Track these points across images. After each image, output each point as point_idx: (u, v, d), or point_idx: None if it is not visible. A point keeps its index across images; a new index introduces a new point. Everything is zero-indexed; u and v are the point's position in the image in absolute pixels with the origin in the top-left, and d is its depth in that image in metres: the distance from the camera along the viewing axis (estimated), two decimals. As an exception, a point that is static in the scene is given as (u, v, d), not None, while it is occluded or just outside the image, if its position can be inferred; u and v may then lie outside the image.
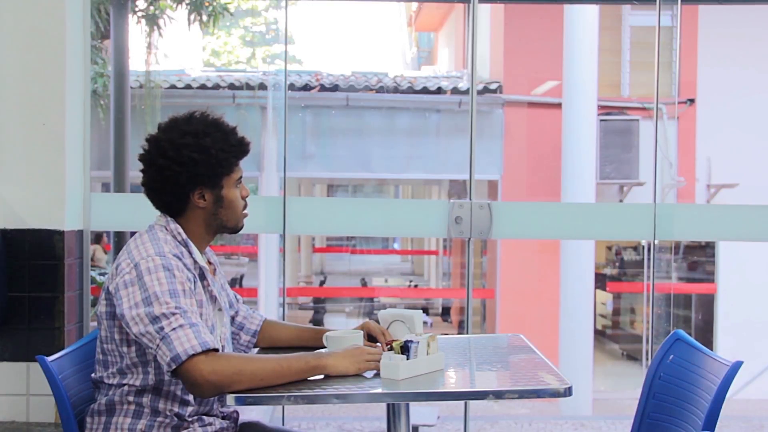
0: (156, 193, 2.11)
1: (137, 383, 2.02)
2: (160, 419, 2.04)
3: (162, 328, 1.88)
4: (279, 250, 8.57)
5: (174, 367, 1.87)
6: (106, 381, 2.06)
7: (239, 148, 2.13)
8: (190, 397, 2.06)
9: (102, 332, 2.06)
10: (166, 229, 2.10)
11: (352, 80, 9.02)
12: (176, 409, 2.05)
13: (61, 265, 2.87)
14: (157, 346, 1.88)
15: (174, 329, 1.88)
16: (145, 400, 2.03)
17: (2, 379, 2.86)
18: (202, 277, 2.11)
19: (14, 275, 2.85)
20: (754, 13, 8.26)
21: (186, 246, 2.10)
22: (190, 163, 2.06)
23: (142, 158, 2.12)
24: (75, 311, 2.97)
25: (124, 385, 2.03)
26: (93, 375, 2.12)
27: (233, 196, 2.14)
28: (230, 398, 1.87)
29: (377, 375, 2.00)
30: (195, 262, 2.09)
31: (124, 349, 2.02)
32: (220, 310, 2.17)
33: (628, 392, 8.42)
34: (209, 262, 2.22)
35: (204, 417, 2.10)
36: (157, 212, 2.16)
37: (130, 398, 2.03)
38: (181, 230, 2.10)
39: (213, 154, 2.07)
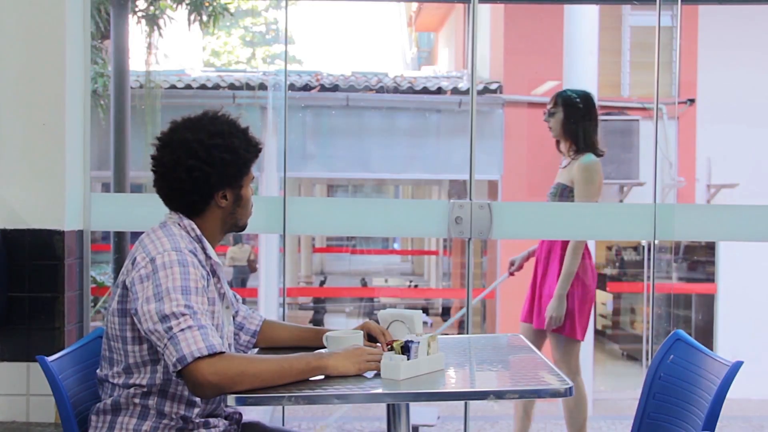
0: (180, 193, 2.11)
1: (144, 382, 2.02)
2: (165, 421, 2.04)
3: (171, 328, 1.88)
4: (279, 250, 8.56)
5: (179, 368, 1.87)
6: (111, 380, 2.06)
7: (257, 147, 2.18)
8: (197, 399, 2.06)
9: (109, 329, 2.06)
10: (180, 225, 2.11)
11: (352, 80, 9.02)
12: (182, 412, 2.05)
13: (61, 265, 2.87)
14: (165, 345, 1.89)
15: (182, 330, 1.88)
16: (152, 402, 2.03)
17: (2, 379, 2.86)
18: (213, 273, 2.12)
19: (14, 275, 2.85)
20: (754, 13, 8.25)
21: (200, 242, 2.10)
22: (221, 164, 2.08)
23: (165, 160, 2.10)
24: (75, 311, 2.97)
25: (131, 386, 2.03)
26: (98, 371, 2.12)
27: (248, 195, 2.20)
28: (231, 398, 1.88)
29: (377, 375, 2.00)
30: (208, 257, 2.10)
31: (135, 347, 2.02)
32: (227, 307, 2.18)
33: (628, 392, 8.41)
34: None
35: (209, 420, 2.11)
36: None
37: (136, 400, 2.03)
38: (195, 226, 2.12)
39: (241, 154, 2.11)
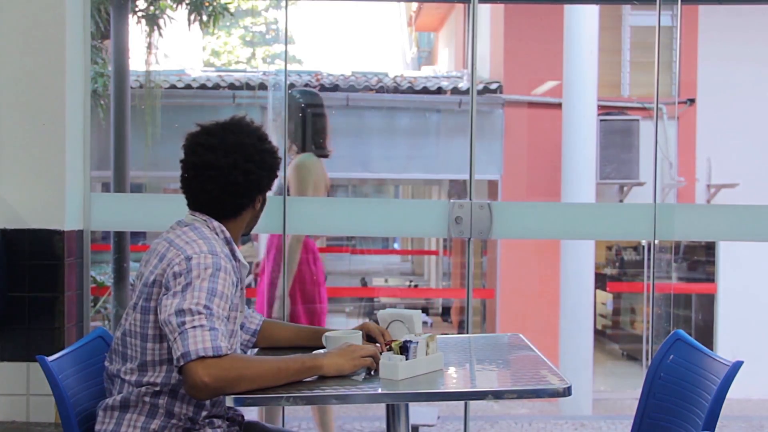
0: (232, 195, 2.13)
1: (157, 380, 2.03)
2: (173, 421, 2.05)
3: (183, 323, 1.88)
4: (279, 250, 8.56)
5: (182, 363, 1.87)
6: (122, 376, 2.06)
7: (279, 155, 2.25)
8: (206, 402, 2.07)
9: (128, 325, 2.06)
10: (209, 227, 2.12)
11: (352, 80, 9.02)
12: (190, 413, 2.06)
13: (61, 265, 2.87)
14: (174, 339, 1.89)
15: (194, 327, 1.88)
16: (162, 401, 2.04)
17: (2, 379, 2.86)
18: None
19: (14, 275, 2.85)
20: (754, 12, 8.25)
21: (229, 244, 2.12)
22: (269, 168, 2.17)
23: (220, 162, 2.10)
24: (75, 311, 2.97)
25: (143, 384, 2.04)
26: (108, 365, 2.12)
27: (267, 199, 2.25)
28: (229, 399, 1.88)
29: (368, 375, 2.00)
30: (236, 260, 2.12)
31: (156, 345, 2.02)
32: (240, 311, 2.18)
33: (628, 392, 8.42)
34: None
35: (214, 420, 2.11)
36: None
37: (147, 398, 2.04)
38: (224, 228, 2.13)
39: (278, 159, 2.21)
